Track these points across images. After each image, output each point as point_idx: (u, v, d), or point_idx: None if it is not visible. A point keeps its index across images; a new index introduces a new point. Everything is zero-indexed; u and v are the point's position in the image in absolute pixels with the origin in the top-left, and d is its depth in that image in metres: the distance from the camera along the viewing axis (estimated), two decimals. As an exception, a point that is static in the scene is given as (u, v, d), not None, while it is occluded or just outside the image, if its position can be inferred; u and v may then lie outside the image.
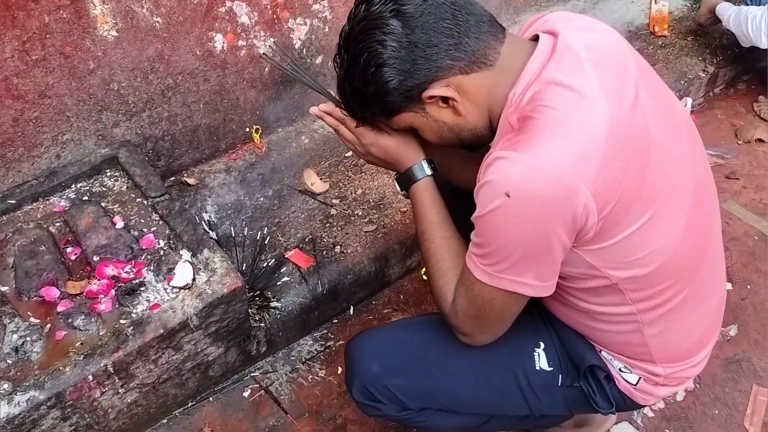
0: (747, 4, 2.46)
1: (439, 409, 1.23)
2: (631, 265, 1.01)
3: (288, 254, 1.77)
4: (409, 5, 0.95)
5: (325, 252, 1.80)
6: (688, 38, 2.74)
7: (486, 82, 1.00)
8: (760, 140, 2.48)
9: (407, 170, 1.18)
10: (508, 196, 0.91)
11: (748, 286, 1.93)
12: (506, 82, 0.99)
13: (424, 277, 1.94)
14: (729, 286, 1.93)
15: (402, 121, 1.07)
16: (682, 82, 2.53)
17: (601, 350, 1.19)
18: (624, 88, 0.97)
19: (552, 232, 0.93)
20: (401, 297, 1.92)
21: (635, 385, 1.18)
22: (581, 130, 0.92)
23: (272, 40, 1.95)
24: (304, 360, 1.74)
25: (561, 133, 0.91)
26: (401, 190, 1.22)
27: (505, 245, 0.96)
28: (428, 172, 1.17)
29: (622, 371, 1.18)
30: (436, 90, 0.99)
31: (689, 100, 2.23)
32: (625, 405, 1.23)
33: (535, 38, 1.03)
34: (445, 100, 1.01)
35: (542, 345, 1.21)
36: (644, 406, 1.27)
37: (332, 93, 1.19)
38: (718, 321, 1.22)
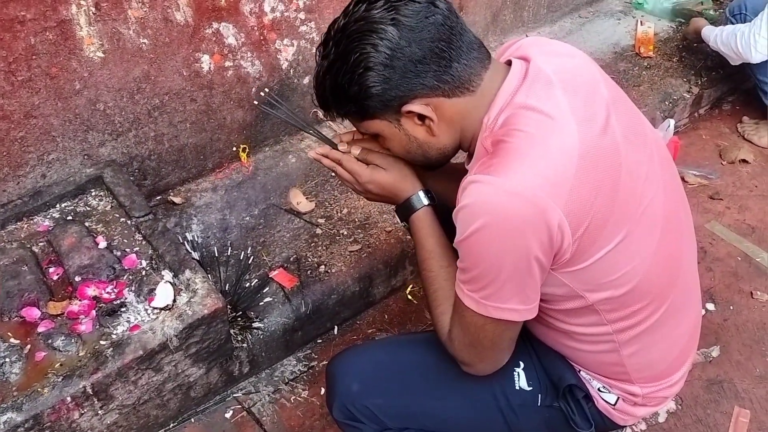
0: (732, 23, 2.49)
1: (419, 429, 1.23)
2: (606, 287, 1.02)
3: (272, 274, 1.77)
4: (411, 18, 0.94)
5: (309, 271, 1.80)
6: (674, 59, 2.78)
7: (464, 107, 1.01)
8: (744, 161, 2.51)
9: (405, 201, 1.18)
10: (484, 218, 0.92)
11: (731, 307, 1.94)
12: (482, 107, 1.01)
13: (409, 297, 1.94)
14: (711, 306, 1.94)
15: (372, 126, 1.06)
16: (666, 102, 2.56)
17: (580, 370, 1.19)
18: (594, 112, 0.99)
19: (530, 252, 0.93)
20: (385, 317, 1.91)
21: (614, 405, 1.18)
22: (552, 153, 0.93)
23: (259, 61, 1.97)
24: (287, 380, 1.74)
25: (532, 156, 0.93)
26: (401, 221, 1.23)
27: (487, 269, 0.96)
28: (425, 202, 1.17)
29: (600, 391, 1.18)
30: (416, 106, 1.00)
31: (672, 122, 2.25)
32: (604, 425, 1.22)
33: (509, 63, 1.04)
34: (421, 117, 1.02)
35: (522, 365, 1.21)
36: (623, 427, 1.27)
37: (328, 136, 1.21)
38: (695, 341, 1.23)
